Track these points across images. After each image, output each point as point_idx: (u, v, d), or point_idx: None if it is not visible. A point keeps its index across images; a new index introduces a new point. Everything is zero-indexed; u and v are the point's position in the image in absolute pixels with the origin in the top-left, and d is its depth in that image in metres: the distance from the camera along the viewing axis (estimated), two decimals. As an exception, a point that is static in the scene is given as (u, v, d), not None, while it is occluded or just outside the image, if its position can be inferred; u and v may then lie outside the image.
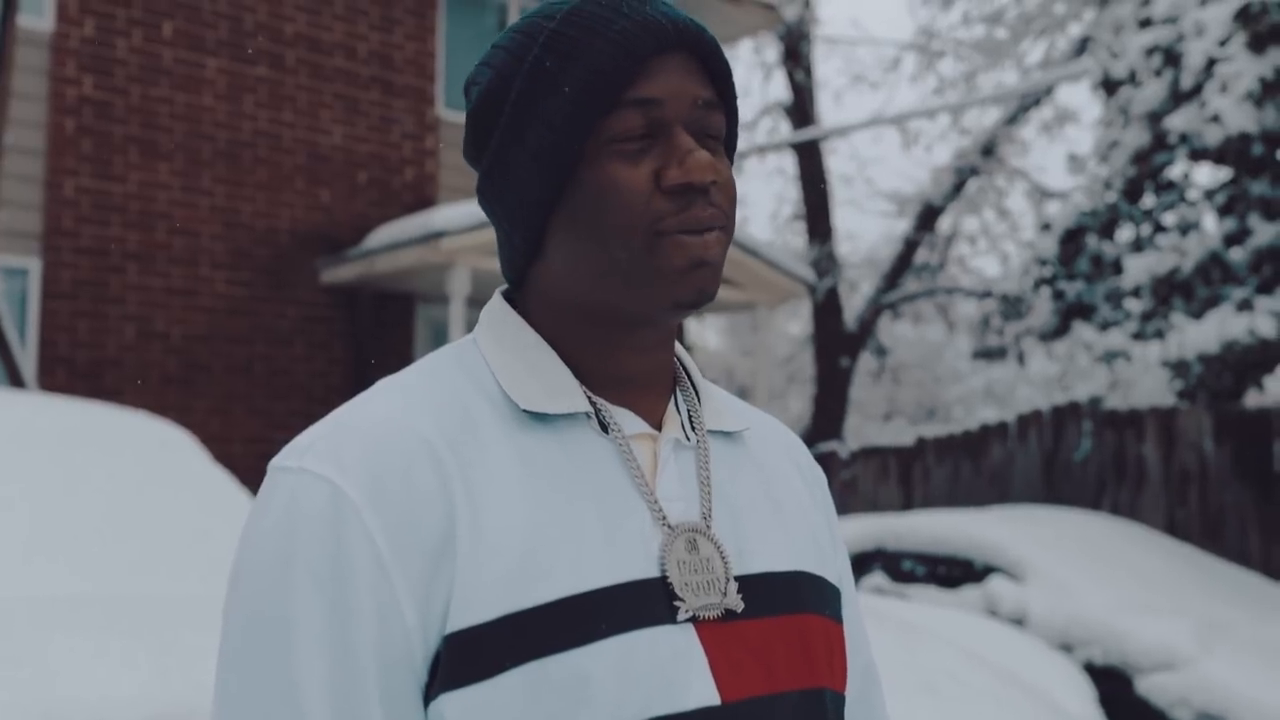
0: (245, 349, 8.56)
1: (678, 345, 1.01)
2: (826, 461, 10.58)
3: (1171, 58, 8.52)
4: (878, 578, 6.43)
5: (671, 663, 0.84)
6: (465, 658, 0.81)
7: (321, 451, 0.85)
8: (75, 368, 7.85)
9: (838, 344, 15.45)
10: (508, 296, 0.99)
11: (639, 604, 0.85)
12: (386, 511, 0.82)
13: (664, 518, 0.89)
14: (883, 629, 3.96)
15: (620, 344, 0.93)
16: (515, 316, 0.95)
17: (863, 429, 21.29)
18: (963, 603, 5.83)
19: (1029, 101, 14.92)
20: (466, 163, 0.98)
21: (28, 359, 7.07)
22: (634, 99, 0.88)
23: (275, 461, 0.87)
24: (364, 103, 9.27)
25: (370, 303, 9.12)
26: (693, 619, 0.86)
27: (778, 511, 0.98)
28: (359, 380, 9.03)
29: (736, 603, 0.89)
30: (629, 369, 0.94)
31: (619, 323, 0.92)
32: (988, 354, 12.12)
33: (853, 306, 17.40)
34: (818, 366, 15.68)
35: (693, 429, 0.97)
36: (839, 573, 1.05)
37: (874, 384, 21.33)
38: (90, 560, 2.81)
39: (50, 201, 7.86)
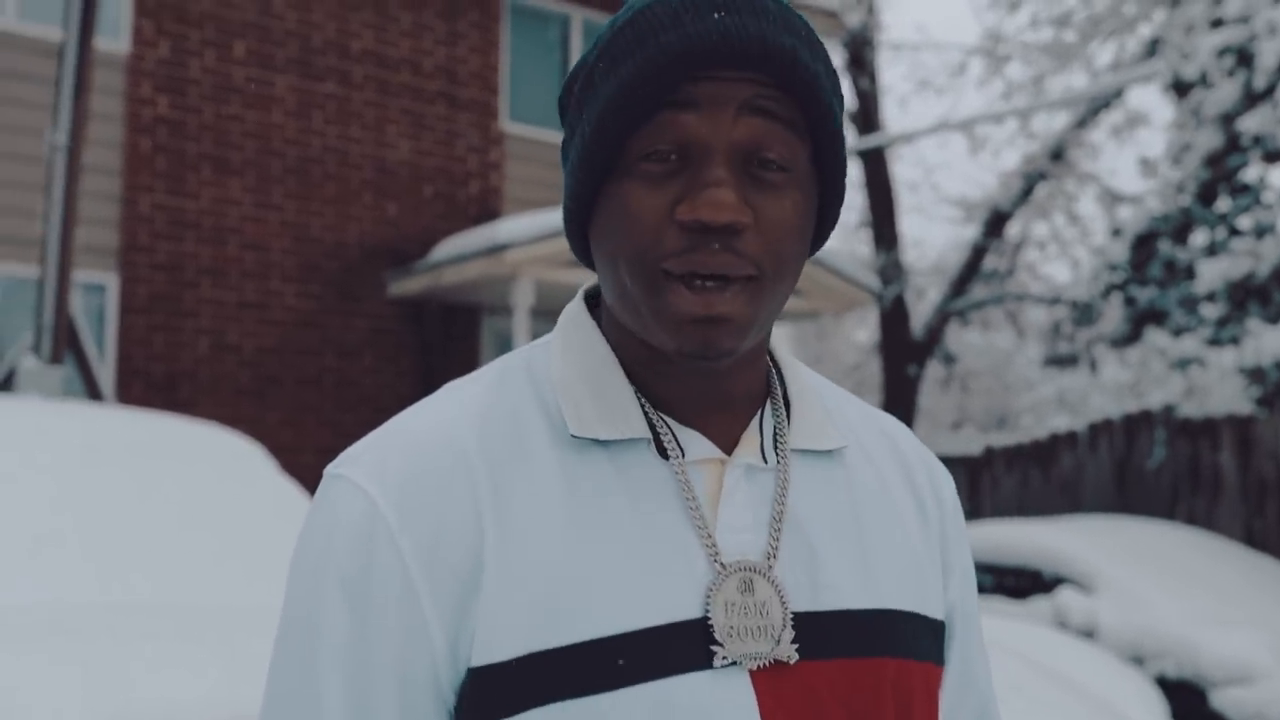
0: (315, 361, 8.71)
1: (780, 353, 0.94)
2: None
3: (1244, 58, 8.36)
4: (944, 588, 6.36)
5: (714, 713, 0.79)
6: (488, 694, 0.78)
7: (367, 462, 0.83)
8: (152, 380, 8.04)
9: (905, 352, 15.31)
10: (592, 293, 0.93)
11: (677, 648, 0.79)
12: (419, 534, 0.80)
13: (717, 555, 0.82)
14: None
15: (674, 373, 0.85)
16: (590, 323, 0.90)
17: (932, 437, 21.06)
18: (1031, 614, 5.75)
19: (1099, 104, 14.69)
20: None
21: (106, 372, 7.26)
22: (666, 119, 0.79)
23: (330, 466, 0.87)
24: (429, 117, 9.40)
25: (437, 315, 9.23)
26: (734, 664, 0.80)
27: (867, 541, 0.89)
28: (426, 391, 9.14)
29: (789, 653, 0.81)
30: (694, 390, 0.86)
31: (656, 351, 0.85)
32: (1059, 361, 11.95)
33: (920, 314, 17.24)
34: (885, 375, 15.55)
35: (775, 451, 0.88)
36: (951, 604, 0.95)
37: (943, 392, 21.10)
38: (162, 569, 2.88)
39: (126, 218, 8.07)
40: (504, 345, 9.57)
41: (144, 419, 3.70)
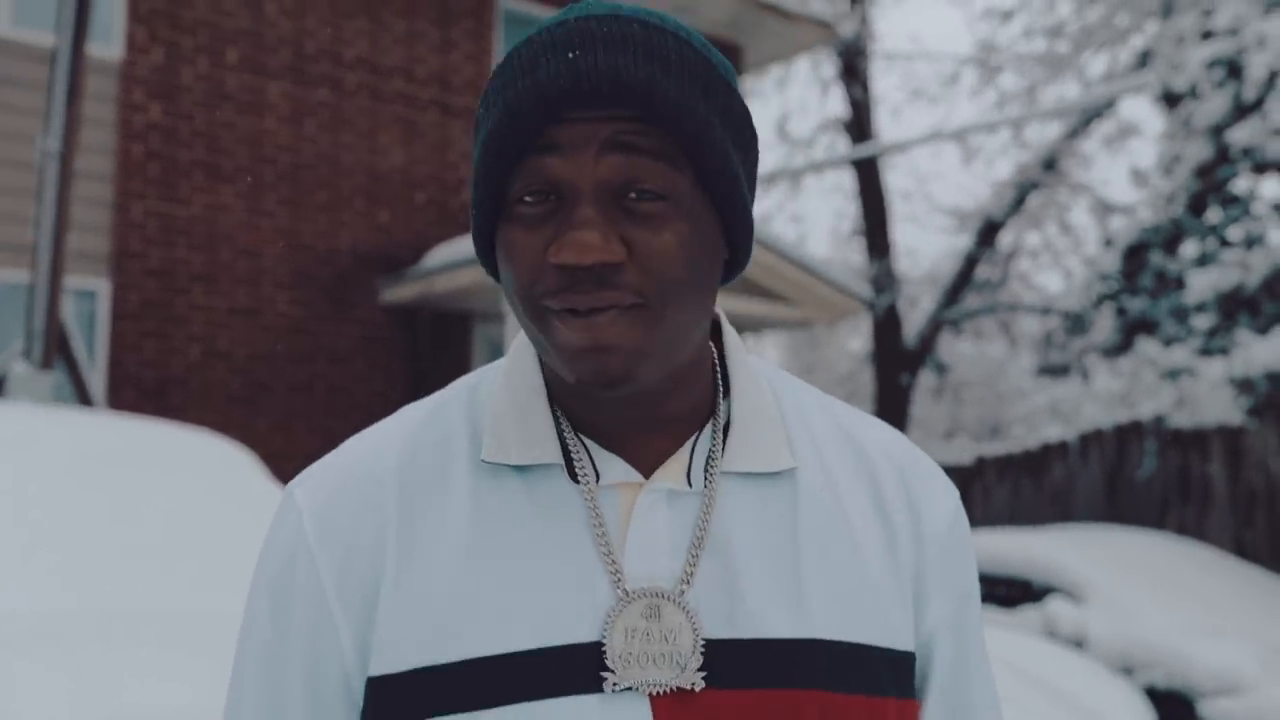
0: (307, 368, 8.70)
1: (735, 360, 0.92)
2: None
3: (1234, 70, 8.40)
4: (935, 597, 6.37)
5: None
6: (380, 703, 0.82)
7: (309, 482, 0.90)
8: (142, 387, 8.03)
9: (898, 361, 15.33)
10: None
11: (568, 671, 0.80)
12: (332, 551, 0.86)
13: (620, 580, 0.82)
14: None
15: (594, 397, 0.85)
16: (531, 352, 0.91)
17: (925, 447, 21.06)
18: (1021, 624, 5.76)
19: (1091, 115, 14.74)
20: None
21: (97, 378, 7.25)
22: (532, 164, 0.79)
23: (291, 482, 0.93)
24: (422, 124, 9.41)
25: (429, 322, 9.23)
26: (628, 690, 0.80)
27: (806, 567, 0.85)
28: (417, 398, 9.12)
29: (693, 680, 0.80)
30: (618, 415, 0.86)
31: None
32: (1051, 371, 11.98)
33: (913, 323, 17.26)
34: (878, 384, 15.57)
35: (705, 472, 0.86)
36: (930, 631, 0.90)
37: (935, 401, 21.13)
38: (152, 576, 2.88)
39: (118, 225, 8.06)
40: (496, 353, 9.58)
41: (134, 425, 3.70)
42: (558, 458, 0.86)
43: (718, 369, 0.92)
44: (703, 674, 0.81)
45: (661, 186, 0.79)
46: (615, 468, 0.86)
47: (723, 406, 0.90)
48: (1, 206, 7.58)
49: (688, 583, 0.83)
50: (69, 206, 5.89)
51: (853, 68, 15.79)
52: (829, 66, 16.73)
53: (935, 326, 15.86)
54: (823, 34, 11.78)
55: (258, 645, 0.87)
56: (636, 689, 0.80)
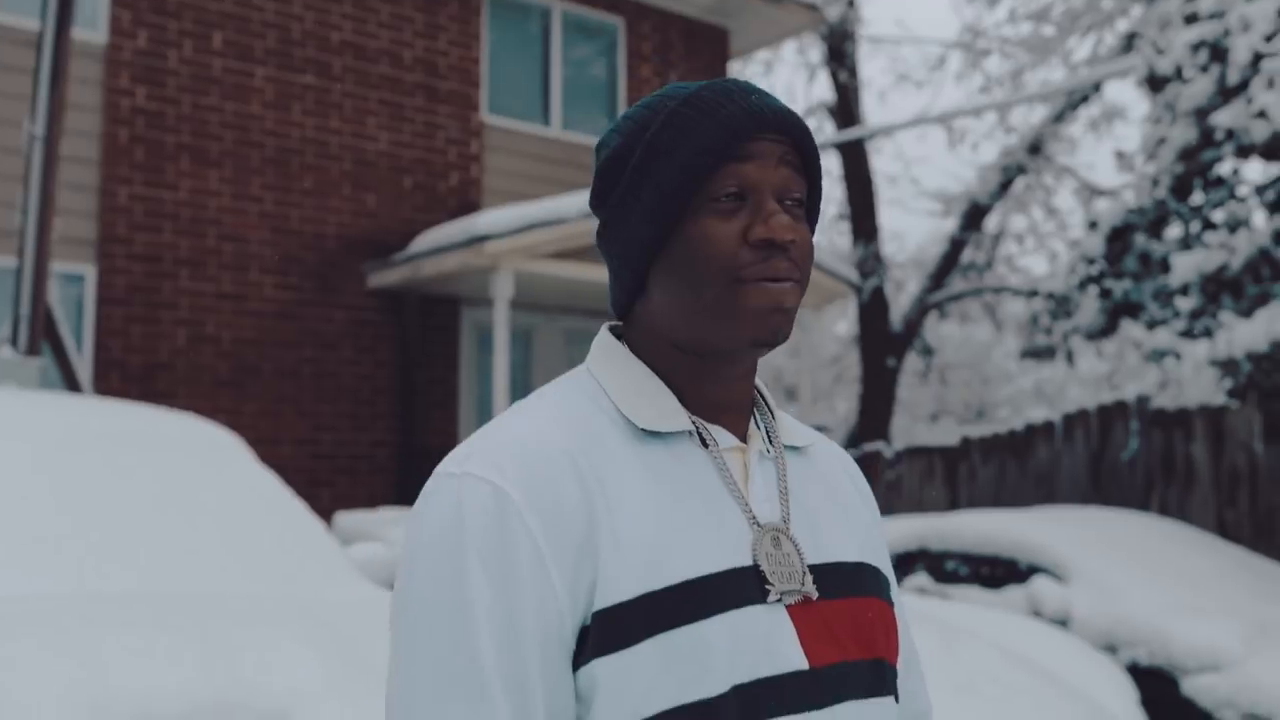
0: (294, 352, 8.70)
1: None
2: (872, 462, 10.54)
3: (1218, 53, 8.43)
4: (921, 578, 6.42)
5: (771, 635, 1.03)
6: (611, 630, 0.99)
7: (481, 460, 1.02)
8: (129, 372, 8.02)
9: (884, 344, 15.38)
10: (614, 330, 1.17)
11: (740, 587, 1.03)
12: (542, 512, 1.00)
13: (754, 518, 1.07)
14: (924, 629, 3.96)
15: (711, 374, 1.11)
16: (623, 349, 1.14)
17: (910, 429, 21.16)
18: (1006, 603, 5.80)
19: (1076, 98, 14.77)
20: (591, 210, 1.21)
21: (83, 363, 7.24)
22: (733, 169, 1.06)
23: (440, 468, 1.05)
24: (409, 109, 9.39)
25: (416, 306, 9.23)
26: (779, 600, 1.04)
27: (842, 513, 1.17)
28: (405, 382, 9.15)
29: (812, 590, 1.07)
30: (719, 395, 1.12)
31: (708, 355, 1.10)
32: (1036, 353, 12.01)
33: (899, 306, 17.30)
34: (864, 367, 15.62)
35: (771, 444, 1.15)
36: (888, 566, 1.22)
37: (921, 384, 21.19)
38: (139, 559, 2.89)
39: (105, 209, 8.04)
40: (483, 336, 9.58)
41: (122, 409, 3.70)
42: (689, 426, 1.09)
43: None
44: (815, 585, 1.07)
45: (802, 195, 1.10)
46: (724, 436, 1.11)
47: (761, 399, 1.19)
48: (-14, 192, 7.54)
49: (787, 520, 1.10)
50: (55, 191, 5.88)
51: (839, 52, 15.78)
52: (815, 51, 16.72)
53: (921, 310, 15.90)
54: (809, 18, 11.78)
55: (484, 616, 0.97)
56: (782, 599, 1.05)
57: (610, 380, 1.11)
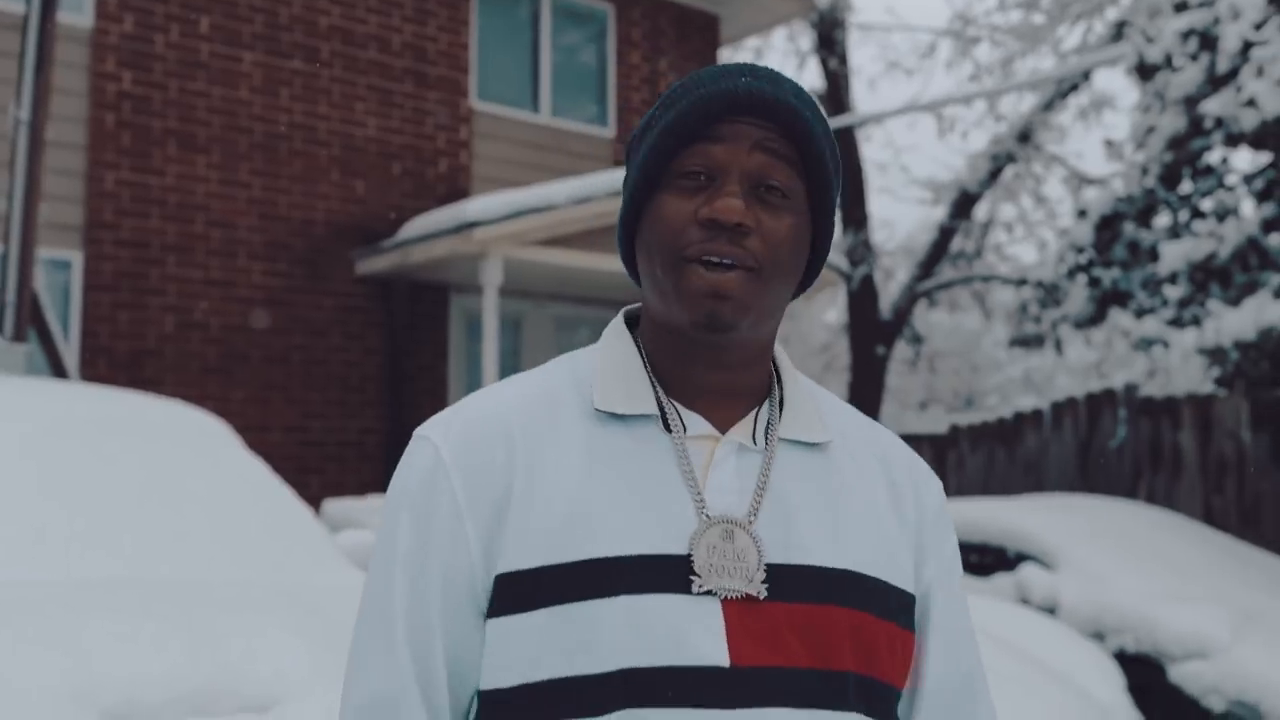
0: (282, 339, 8.67)
1: (784, 359, 1.18)
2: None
3: (1207, 41, 8.43)
4: (909, 566, 6.43)
5: (685, 625, 1.00)
6: (508, 594, 1.02)
7: (439, 425, 1.09)
8: (116, 358, 7.98)
9: (873, 332, 15.39)
10: (632, 313, 1.19)
11: (661, 574, 1.01)
12: (466, 471, 1.05)
13: (703, 509, 1.04)
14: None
15: (694, 357, 1.09)
16: (623, 329, 1.15)
17: (900, 417, 21.20)
18: (994, 590, 5.82)
19: (1066, 87, 14.77)
20: None
21: (70, 350, 7.20)
22: (701, 149, 1.06)
23: (417, 430, 1.11)
24: (398, 95, 9.34)
25: (405, 293, 9.20)
26: (710, 594, 1.01)
27: (839, 515, 1.10)
28: (394, 369, 9.12)
29: (759, 589, 1.02)
30: (705, 380, 1.10)
31: (675, 336, 1.09)
32: (1025, 342, 12.03)
33: (888, 294, 17.32)
34: (853, 355, 15.63)
35: (765, 437, 1.11)
36: (928, 583, 1.15)
37: (910, 372, 21.23)
38: (125, 545, 2.87)
39: (91, 195, 7.99)
40: (473, 323, 9.56)
41: (109, 396, 3.68)
42: (654, 411, 1.08)
43: (775, 363, 1.18)
44: (765, 585, 1.03)
45: (785, 185, 1.06)
46: (697, 423, 1.09)
47: (777, 390, 1.15)
48: (-29, 177, 7.49)
49: (754, 516, 1.06)
50: (40, 176, 5.84)
51: (829, 39, 15.75)
52: (806, 38, 16.69)
53: (911, 298, 15.91)
54: (800, 5, 11.75)
55: (402, 553, 1.05)
56: (715, 593, 1.01)
57: (601, 360, 1.12)
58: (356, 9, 9.18)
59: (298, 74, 8.88)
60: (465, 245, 8.06)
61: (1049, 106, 15.08)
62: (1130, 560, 5.89)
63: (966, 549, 6.30)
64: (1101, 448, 8.87)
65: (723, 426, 1.09)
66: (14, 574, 2.62)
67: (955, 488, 9.83)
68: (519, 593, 1.01)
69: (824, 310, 23.93)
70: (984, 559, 6.21)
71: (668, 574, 1.01)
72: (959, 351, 21.27)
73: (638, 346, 1.13)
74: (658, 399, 1.09)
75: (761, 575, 1.03)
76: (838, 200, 1.13)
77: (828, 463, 1.13)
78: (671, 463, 1.06)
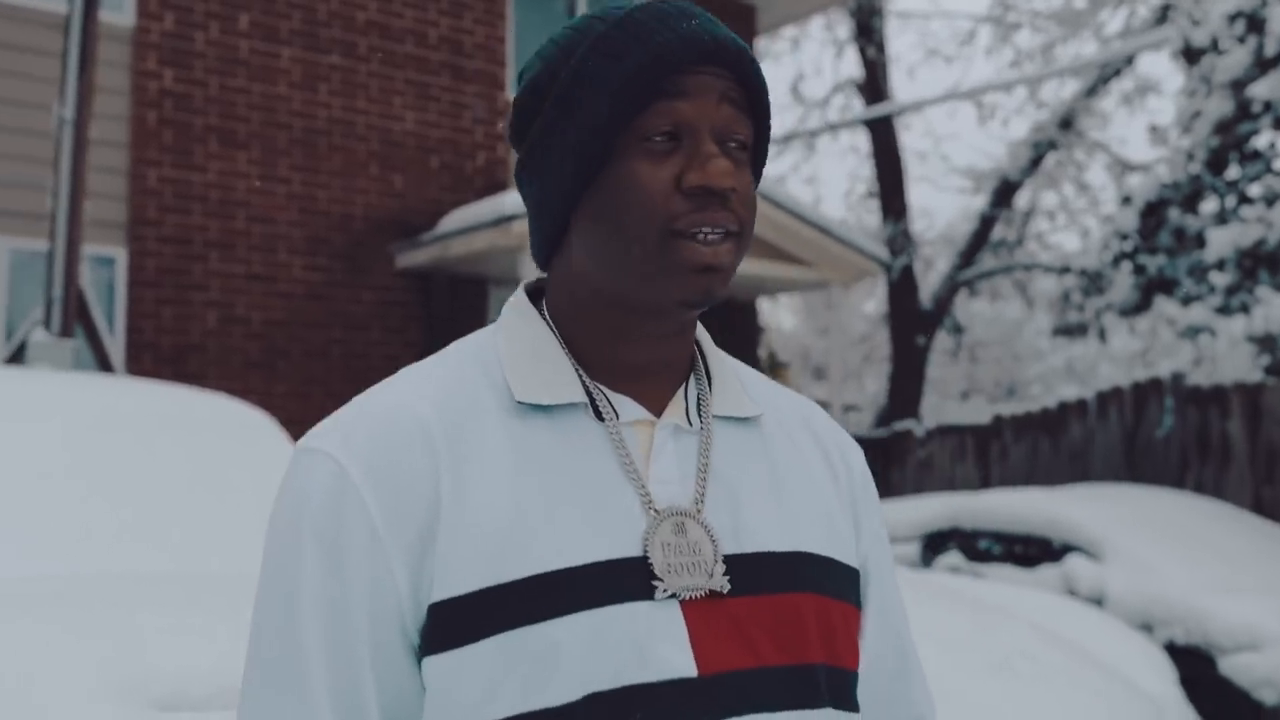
0: (323, 333, 8.72)
1: (700, 331, 1.05)
2: (902, 440, 10.49)
3: (1255, 24, 8.29)
4: (953, 557, 6.38)
5: (647, 637, 0.89)
6: (446, 625, 0.88)
7: (334, 435, 0.93)
8: (160, 353, 8.06)
9: (913, 322, 15.28)
10: (531, 289, 1.06)
11: (616, 581, 0.89)
12: (381, 488, 0.90)
13: (650, 503, 0.93)
14: (957, 608, 3.93)
15: (631, 334, 0.97)
16: (530, 309, 1.01)
17: (941, 408, 21.05)
18: (1040, 582, 5.76)
19: (1109, 72, 14.58)
20: (510, 145, 1.04)
21: (116, 345, 7.28)
22: (667, 105, 0.93)
23: (299, 443, 0.96)
24: (435, 88, 9.37)
25: (444, 286, 9.23)
26: (673, 597, 0.90)
27: (783, 494, 1.00)
28: (434, 363, 9.15)
29: (721, 584, 0.92)
30: (638, 358, 0.98)
31: (632, 314, 0.96)
32: (1068, 330, 11.91)
33: (928, 284, 17.19)
34: (893, 345, 15.53)
35: (699, 415, 1.00)
36: (864, 556, 1.07)
37: (951, 362, 21.07)
38: (173, 539, 2.90)
39: (134, 192, 8.07)
40: (512, 317, 9.56)
41: (155, 390, 3.71)
42: (582, 398, 0.96)
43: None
44: (727, 578, 0.93)
45: (746, 138, 0.96)
46: (629, 408, 0.97)
47: (700, 363, 1.04)
48: (20, 175, 7.59)
49: (701, 504, 0.95)
50: (85, 174, 5.90)
51: (867, 27, 15.64)
52: (843, 27, 16.58)
53: (951, 287, 15.79)
54: (837, -8, 11.67)
55: (310, 595, 0.89)
56: (677, 595, 0.91)
57: (507, 345, 0.99)
58: (393, 3, 9.21)
59: (336, 69, 8.92)
60: (504, 239, 8.07)
61: (1091, 92, 14.89)
62: (1179, 551, 5.81)
63: (1011, 539, 6.24)
64: (1148, 437, 8.76)
65: (653, 408, 0.98)
66: (63, 567, 2.64)
67: (999, 478, 9.74)
68: (459, 622, 0.88)
69: (863, 301, 23.80)
70: (1029, 550, 6.15)
71: (625, 580, 0.90)
72: (1000, 341, 21.08)
73: (549, 327, 1.00)
74: (584, 384, 0.96)
75: (721, 568, 0.93)
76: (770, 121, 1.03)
77: (762, 438, 1.03)
78: (608, 454, 0.94)
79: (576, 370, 0.97)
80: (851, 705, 0.99)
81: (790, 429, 1.07)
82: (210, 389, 7.24)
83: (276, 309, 8.55)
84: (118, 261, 8.04)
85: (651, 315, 0.96)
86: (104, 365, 5.93)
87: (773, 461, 1.02)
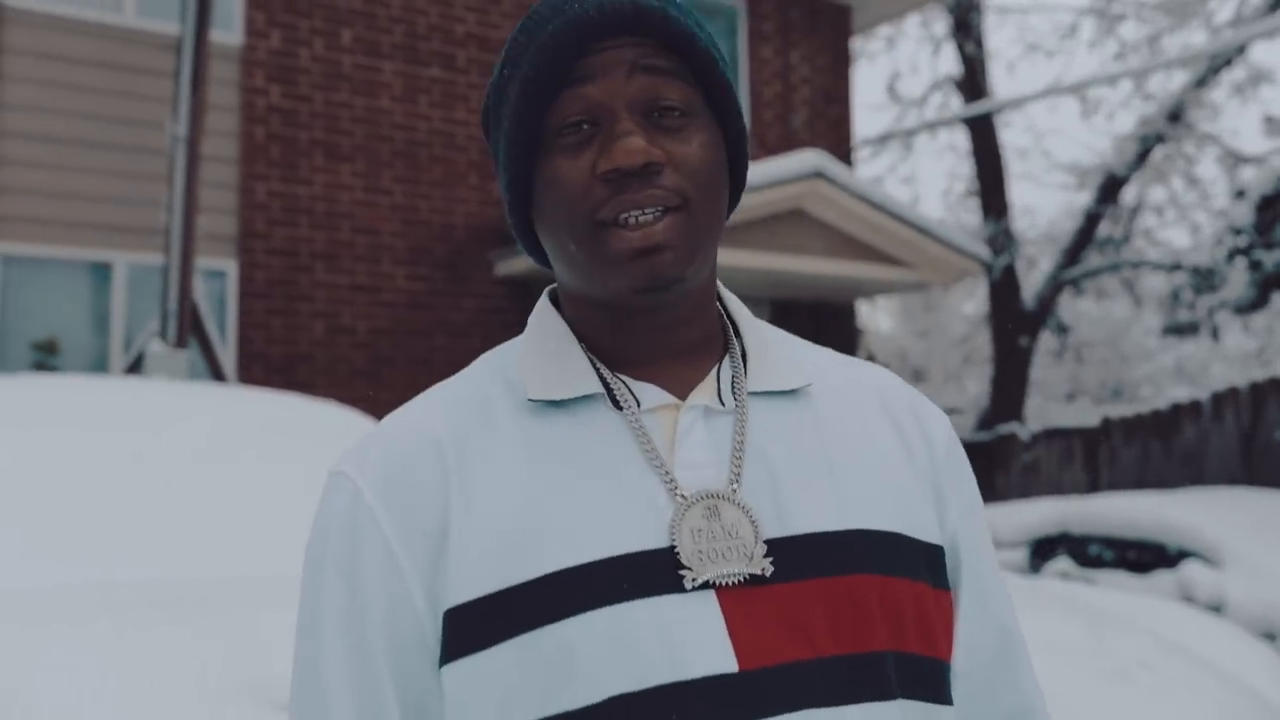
0: (426, 341, 8.86)
1: (733, 302, 1.02)
2: (1006, 444, 10.29)
3: (1377, 8, 7.96)
4: (1063, 562, 6.24)
5: (677, 631, 0.83)
6: (460, 632, 0.86)
7: (355, 456, 0.94)
8: (270, 362, 8.27)
9: (1016, 323, 14.99)
10: (555, 291, 1.04)
11: (638, 575, 0.85)
12: (393, 503, 0.90)
13: (676, 489, 0.88)
14: (1070, 615, 3.85)
15: (629, 325, 0.94)
16: (549, 308, 1.00)
17: (1045, 410, 20.61)
18: (1154, 588, 5.61)
19: (1219, 62, 14.15)
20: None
21: (228, 355, 7.49)
22: (572, 94, 0.89)
23: (330, 466, 0.96)
24: (533, 98, 9.46)
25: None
26: (707, 586, 0.85)
27: (838, 468, 0.93)
28: (534, 370, 9.24)
29: (763, 566, 0.86)
30: (650, 346, 0.95)
31: (605, 308, 0.94)
32: (1178, 329, 11.58)
33: (1031, 284, 16.85)
34: (995, 346, 15.25)
35: (732, 394, 0.95)
36: (952, 531, 0.98)
37: (1056, 363, 20.62)
38: (293, 542, 2.97)
39: (244, 206, 8.29)
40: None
41: (269, 398, 3.81)
42: (599, 388, 0.93)
43: (725, 308, 1.02)
44: (769, 559, 0.87)
45: (681, 101, 0.90)
46: (651, 394, 0.93)
47: (734, 338, 0.99)
48: (136, 192, 7.85)
49: (736, 485, 0.90)
50: (198, 190, 6.08)
51: (965, 24, 15.40)
52: (940, 24, 16.36)
53: (1055, 287, 15.46)
54: (934, -10, 11.51)
55: (332, 615, 0.89)
56: (712, 583, 0.85)
57: (525, 346, 0.98)
58: (491, 15, 9.33)
59: (436, 81, 9.06)
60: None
61: (1201, 83, 14.46)
62: (1302, 557, 5.61)
63: (1124, 545, 6.08)
64: (1266, 439, 8.47)
65: (681, 392, 0.94)
66: (192, 572, 2.73)
67: (1108, 482, 9.51)
68: (472, 628, 0.85)
69: (962, 302, 23.42)
70: (1142, 556, 5.99)
71: (650, 573, 0.85)
72: (1107, 341, 20.58)
73: (567, 325, 0.98)
74: (600, 375, 0.94)
75: (762, 550, 0.87)
76: (726, 72, 0.96)
77: (812, 411, 0.96)
78: (629, 443, 0.90)
79: (594, 363, 0.94)
80: (934, 696, 0.91)
81: (850, 398, 0.99)
82: (319, 397, 7.41)
83: (381, 318, 8.71)
84: (229, 274, 8.27)
85: (622, 308, 0.92)
86: (217, 375, 6.10)
87: (824, 435, 0.95)
